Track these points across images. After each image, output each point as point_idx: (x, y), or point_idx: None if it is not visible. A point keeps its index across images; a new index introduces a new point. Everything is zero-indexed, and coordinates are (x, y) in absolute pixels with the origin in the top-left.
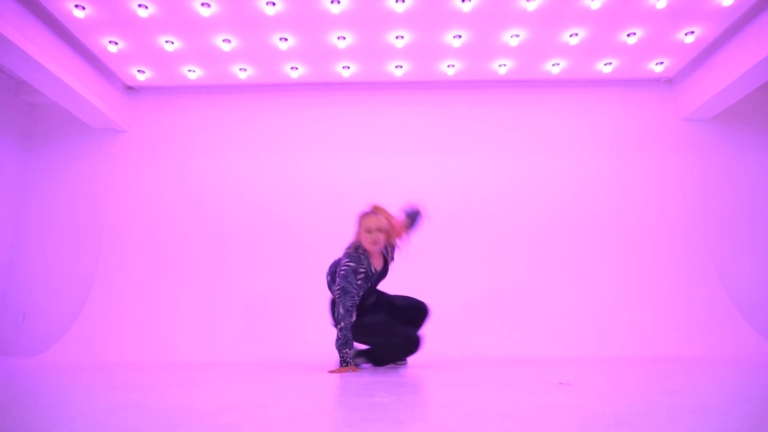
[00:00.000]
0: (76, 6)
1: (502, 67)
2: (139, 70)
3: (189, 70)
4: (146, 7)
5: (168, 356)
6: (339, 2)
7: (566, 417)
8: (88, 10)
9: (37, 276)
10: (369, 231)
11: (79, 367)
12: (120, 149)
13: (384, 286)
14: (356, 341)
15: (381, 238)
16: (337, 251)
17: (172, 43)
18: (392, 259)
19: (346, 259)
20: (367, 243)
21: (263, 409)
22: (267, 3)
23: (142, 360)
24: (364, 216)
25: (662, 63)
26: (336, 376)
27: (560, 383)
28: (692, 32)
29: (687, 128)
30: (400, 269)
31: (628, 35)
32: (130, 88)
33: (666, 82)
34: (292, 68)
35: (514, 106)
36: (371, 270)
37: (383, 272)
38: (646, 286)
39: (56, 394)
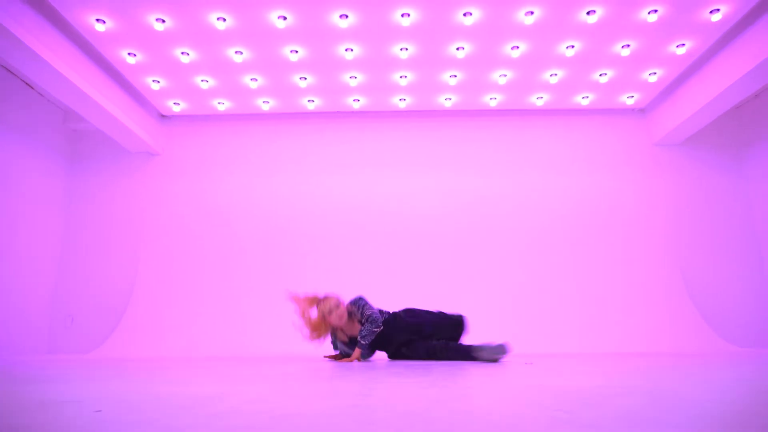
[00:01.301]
0: (129, 54)
1: (492, 100)
2: (175, 103)
3: (219, 102)
4: (188, 54)
5: (196, 352)
6: (352, 50)
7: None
8: (139, 57)
9: (83, 283)
10: (330, 312)
11: (128, 360)
12: (154, 170)
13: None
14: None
15: (341, 311)
16: (346, 261)
17: (207, 81)
18: (362, 321)
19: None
20: (336, 321)
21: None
22: (291, 51)
23: (177, 356)
24: (319, 305)
25: (632, 96)
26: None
27: (525, 363)
28: (654, 73)
29: (659, 152)
30: (410, 279)
31: (600, 75)
32: (163, 116)
33: (639, 111)
34: (309, 101)
35: (503, 133)
36: (341, 339)
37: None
38: (618, 290)
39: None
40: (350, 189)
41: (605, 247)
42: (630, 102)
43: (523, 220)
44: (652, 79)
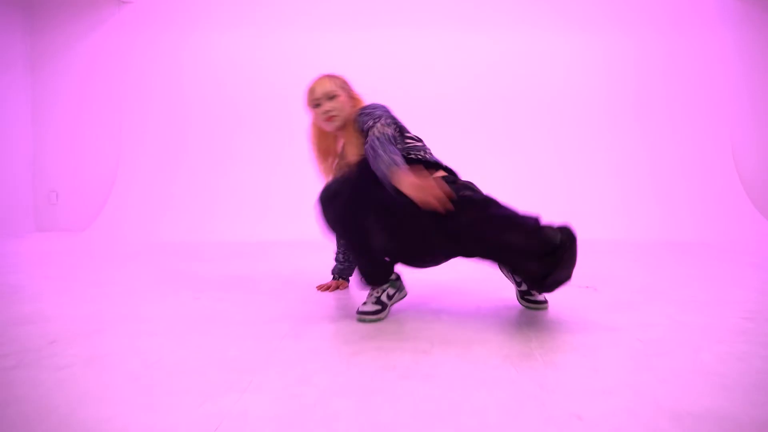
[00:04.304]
0: None
1: None
2: None
3: None
4: None
5: (195, 235)
6: None
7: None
8: None
9: (63, 155)
10: (317, 104)
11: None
12: (127, 21)
13: None
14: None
15: (335, 105)
16: None
17: None
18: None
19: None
20: (321, 123)
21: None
22: None
23: (162, 239)
24: (306, 91)
25: None
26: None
27: (587, 287)
28: None
29: None
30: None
31: None
32: None
33: None
34: None
35: None
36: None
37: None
38: (660, 169)
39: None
40: (350, 46)
41: (644, 114)
42: None
43: (549, 85)
44: None
